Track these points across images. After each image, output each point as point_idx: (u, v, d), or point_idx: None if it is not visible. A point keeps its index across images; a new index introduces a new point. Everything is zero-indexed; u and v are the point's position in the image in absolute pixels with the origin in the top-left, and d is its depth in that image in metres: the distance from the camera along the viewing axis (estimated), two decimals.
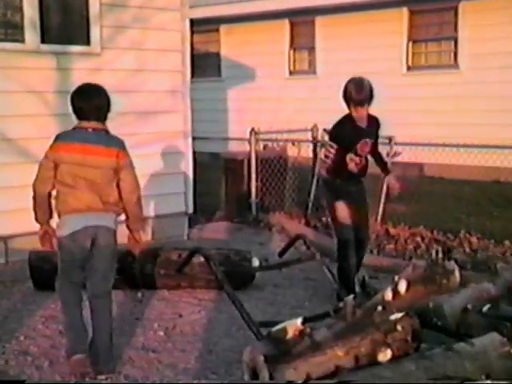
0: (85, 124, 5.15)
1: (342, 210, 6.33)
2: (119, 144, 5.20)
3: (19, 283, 7.09)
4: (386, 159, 9.67)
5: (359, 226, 6.49)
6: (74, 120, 8.21)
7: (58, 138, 5.21)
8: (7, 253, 7.88)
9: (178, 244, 7.25)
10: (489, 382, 3.74)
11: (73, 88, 8.15)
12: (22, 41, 7.96)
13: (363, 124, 6.53)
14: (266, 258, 7.56)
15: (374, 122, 6.77)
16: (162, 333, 5.75)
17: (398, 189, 6.88)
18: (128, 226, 5.20)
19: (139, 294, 6.40)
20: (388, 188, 7.50)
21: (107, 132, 5.23)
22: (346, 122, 6.53)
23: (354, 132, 6.53)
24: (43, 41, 8.08)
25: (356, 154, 6.43)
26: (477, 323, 4.66)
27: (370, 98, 6.68)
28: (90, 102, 5.24)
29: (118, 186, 5.06)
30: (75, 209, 4.95)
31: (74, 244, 4.96)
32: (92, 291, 5.00)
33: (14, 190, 7.86)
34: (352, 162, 6.39)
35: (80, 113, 5.18)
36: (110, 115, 7.75)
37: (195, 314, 6.21)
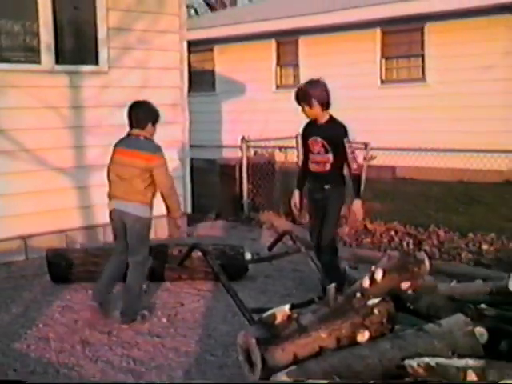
0: (130, 131, 5.82)
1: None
2: (153, 149, 5.68)
3: (38, 277, 7.08)
4: (363, 162, 9.72)
5: (317, 234, 6.30)
6: (84, 131, 8.30)
7: (115, 143, 5.90)
8: (27, 250, 7.87)
9: (178, 241, 7.23)
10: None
11: (84, 103, 8.27)
12: (39, 62, 7.97)
13: (319, 123, 6.34)
14: (258, 252, 7.56)
15: (333, 127, 6.33)
16: (165, 320, 5.75)
17: (355, 221, 6.70)
18: (168, 215, 5.85)
19: (144, 286, 6.39)
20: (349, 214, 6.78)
21: (146, 138, 5.74)
22: (309, 120, 6.42)
23: (307, 129, 6.41)
24: (57, 62, 8.09)
25: (312, 153, 6.29)
26: (444, 306, 4.67)
27: (301, 99, 6.35)
28: (131, 113, 5.85)
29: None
30: (112, 196, 5.77)
31: (111, 220, 5.78)
32: (128, 258, 5.66)
33: (32, 195, 7.87)
34: (312, 163, 6.30)
35: (128, 122, 5.82)
36: (117, 128, 7.83)
37: (195, 303, 6.21)
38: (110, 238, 8.35)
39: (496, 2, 12.73)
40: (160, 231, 8.41)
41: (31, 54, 8.00)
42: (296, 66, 16.52)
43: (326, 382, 3.51)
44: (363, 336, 3.98)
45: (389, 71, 14.98)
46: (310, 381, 3.51)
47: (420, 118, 13.80)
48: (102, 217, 8.35)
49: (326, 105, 6.24)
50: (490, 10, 12.93)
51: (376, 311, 4.10)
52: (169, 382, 4.33)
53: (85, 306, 6.10)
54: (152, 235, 7.83)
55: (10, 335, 5.41)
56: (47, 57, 7.98)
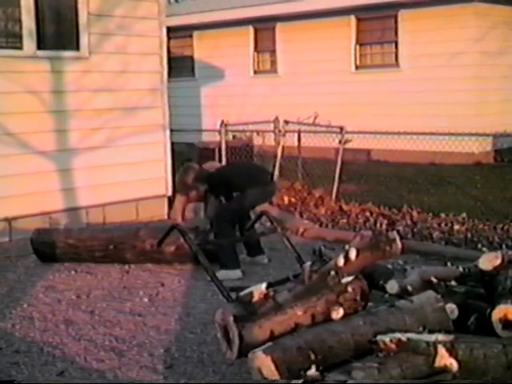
0: None
1: None
2: None
3: (22, 258, 7.05)
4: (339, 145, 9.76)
5: None
6: (66, 115, 8.24)
7: None
8: (11, 232, 7.82)
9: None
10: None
11: (66, 88, 8.20)
12: (21, 47, 7.89)
13: None
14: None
15: None
16: (146, 299, 5.74)
17: None
18: None
19: (126, 266, 6.39)
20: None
21: None
22: None
23: None
24: (39, 47, 8.01)
25: None
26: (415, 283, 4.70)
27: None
28: None
29: None
30: None
31: None
32: None
33: (15, 178, 7.81)
34: None
35: None
36: (98, 111, 7.80)
37: (175, 283, 6.20)
38: (92, 219, 8.37)
39: None
40: (143, 213, 8.44)
41: (13, 40, 7.91)
42: (273, 51, 16.49)
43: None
44: (337, 313, 4.00)
45: (363, 57, 15.00)
46: (294, 381, 3.50)
47: (393, 103, 13.86)
48: (85, 199, 8.38)
49: None
50: None
51: (350, 289, 4.12)
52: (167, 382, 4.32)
53: (68, 286, 6.09)
54: (134, 216, 7.87)
55: None
56: (29, 42, 7.89)
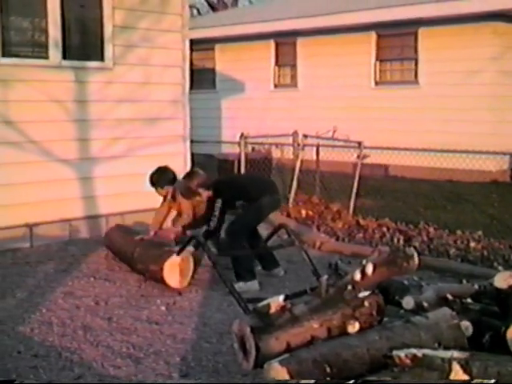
0: None
1: None
2: None
3: (42, 264, 7.12)
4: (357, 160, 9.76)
5: None
6: (89, 125, 8.34)
7: None
8: (32, 238, 7.88)
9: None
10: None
11: (89, 97, 8.28)
12: (47, 57, 7.98)
13: None
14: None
15: None
16: (163, 308, 5.77)
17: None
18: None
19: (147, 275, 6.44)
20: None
21: None
22: None
23: None
24: (64, 57, 8.11)
25: None
26: (431, 300, 4.69)
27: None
28: None
29: None
30: None
31: None
32: None
33: (37, 185, 7.88)
34: None
35: None
36: (120, 121, 7.91)
37: (192, 293, 6.23)
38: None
39: (484, 10, 12.76)
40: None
41: (39, 50, 8.01)
42: (293, 66, 16.50)
43: (312, 381, 3.51)
44: (353, 327, 3.99)
45: (382, 73, 14.96)
46: (303, 381, 3.51)
47: (412, 119, 13.83)
48: (105, 207, 8.43)
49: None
50: (479, 16, 12.95)
51: (366, 303, 4.12)
52: (167, 382, 4.34)
53: (86, 293, 6.12)
54: None
55: (14, 319, 5.43)
56: (55, 52, 7.98)
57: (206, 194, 6.52)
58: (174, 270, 6.16)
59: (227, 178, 6.90)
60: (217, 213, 6.35)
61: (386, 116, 14.17)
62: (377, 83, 14.94)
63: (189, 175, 6.74)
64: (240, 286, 5.91)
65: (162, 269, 6.17)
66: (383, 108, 14.32)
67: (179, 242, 6.67)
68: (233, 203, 6.65)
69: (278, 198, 6.97)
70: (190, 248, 6.08)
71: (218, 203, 6.37)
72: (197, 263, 6.38)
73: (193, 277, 6.35)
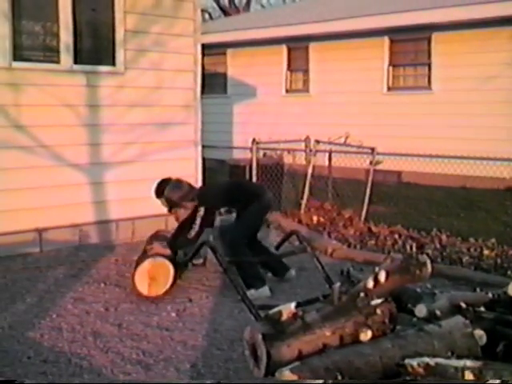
0: None
1: None
2: None
3: (52, 269, 7.14)
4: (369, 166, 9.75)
5: None
6: (100, 129, 8.36)
7: None
8: (41, 243, 7.91)
9: None
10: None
11: (100, 102, 8.31)
12: (58, 62, 8.01)
13: None
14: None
15: None
16: (174, 314, 5.78)
17: None
18: None
19: None
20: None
21: None
22: None
23: None
24: (76, 62, 8.13)
25: None
26: (444, 308, 4.67)
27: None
28: None
29: None
30: None
31: None
32: None
33: (48, 189, 7.91)
34: None
35: None
36: (131, 126, 7.97)
37: (203, 299, 6.24)
38: (122, 233, 8.42)
39: (499, 15, 12.72)
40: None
41: (51, 54, 8.04)
42: (306, 71, 16.51)
43: (321, 381, 3.51)
44: (366, 335, 3.98)
45: (395, 78, 14.96)
46: (308, 381, 3.52)
47: (425, 125, 13.80)
48: (115, 212, 8.45)
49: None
50: (494, 21, 12.91)
51: (379, 311, 4.11)
52: (167, 382, 4.35)
53: (96, 299, 6.14)
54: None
55: (24, 324, 5.45)
56: (66, 57, 8.02)
57: (190, 205, 6.56)
58: (143, 277, 6.15)
59: (213, 186, 6.87)
60: (198, 221, 6.39)
61: (399, 122, 14.15)
62: (389, 88, 14.92)
63: (171, 188, 6.66)
64: (251, 293, 5.91)
65: (133, 275, 6.19)
66: (396, 114, 14.31)
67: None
68: (218, 210, 6.73)
69: (267, 200, 6.81)
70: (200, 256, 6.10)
71: (201, 211, 6.41)
72: (178, 271, 6.34)
73: (172, 286, 6.27)
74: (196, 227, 6.38)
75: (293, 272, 6.84)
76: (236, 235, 6.50)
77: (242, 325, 4.92)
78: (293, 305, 4.06)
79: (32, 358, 4.79)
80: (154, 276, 6.12)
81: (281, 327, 3.94)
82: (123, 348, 4.98)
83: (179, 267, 6.37)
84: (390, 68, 14.90)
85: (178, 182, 6.70)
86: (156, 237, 6.92)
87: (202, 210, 6.39)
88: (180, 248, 6.59)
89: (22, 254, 7.61)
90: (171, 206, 6.69)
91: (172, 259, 6.31)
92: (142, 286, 6.12)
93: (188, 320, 5.63)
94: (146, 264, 6.15)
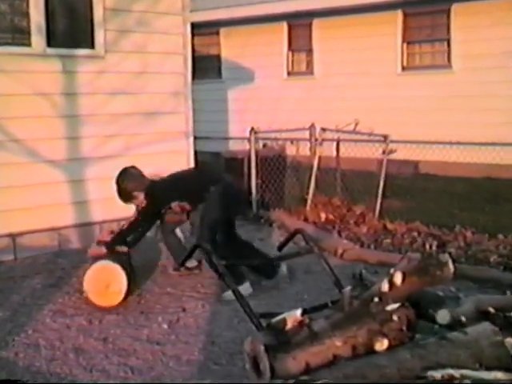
0: None
1: None
2: None
3: (28, 279, 7.12)
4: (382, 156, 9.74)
5: None
6: (79, 120, 8.33)
7: None
8: (15, 249, 7.90)
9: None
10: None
11: (79, 90, 8.29)
12: (29, 45, 7.97)
13: None
14: (266, 252, 7.60)
15: None
16: (165, 326, 5.77)
17: None
18: None
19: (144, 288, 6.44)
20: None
21: None
22: None
23: None
24: (49, 44, 8.10)
25: None
26: (469, 314, 4.66)
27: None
28: None
29: None
30: None
31: None
32: None
33: (21, 189, 7.89)
34: None
35: None
36: (114, 117, 7.95)
37: (198, 308, 6.23)
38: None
39: None
40: None
41: (20, 36, 8.00)
42: (309, 51, 16.52)
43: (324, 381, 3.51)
44: (381, 344, 3.98)
45: (410, 57, 14.95)
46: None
47: (445, 109, 13.78)
48: (98, 213, 8.43)
49: None
50: None
51: (395, 317, 4.10)
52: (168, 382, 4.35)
53: (78, 311, 6.13)
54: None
55: None
56: (38, 39, 7.99)
57: (141, 196, 6.64)
58: (93, 285, 6.19)
59: (164, 178, 6.94)
60: (142, 217, 6.58)
61: (414, 106, 14.14)
62: (404, 68, 14.91)
63: (126, 176, 6.73)
64: (230, 294, 5.93)
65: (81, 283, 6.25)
66: (412, 96, 14.30)
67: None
68: (168, 205, 6.75)
69: (227, 184, 6.91)
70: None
71: (143, 203, 6.59)
72: (131, 276, 6.36)
73: (128, 293, 6.30)
74: (142, 223, 6.63)
75: (284, 268, 6.91)
76: (200, 235, 6.56)
77: (242, 336, 4.90)
78: (298, 312, 4.06)
79: (5, 381, 4.77)
80: (103, 282, 6.14)
81: (285, 337, 3.93)
82: (109, 365, 4.97)
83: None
84: (404, 45, 14.88)
85: (134, 169, 6.78)
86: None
87: (144, 203, 6.57)
88: (132, 245, 6.73)
89: None
90: (126, 197, 6.74)
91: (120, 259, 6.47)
92: (96, 295, 6.14)
93: (182, 332, 5.61)
94: (90, 272, 6.19)
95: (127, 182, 6.68)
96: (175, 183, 6.87)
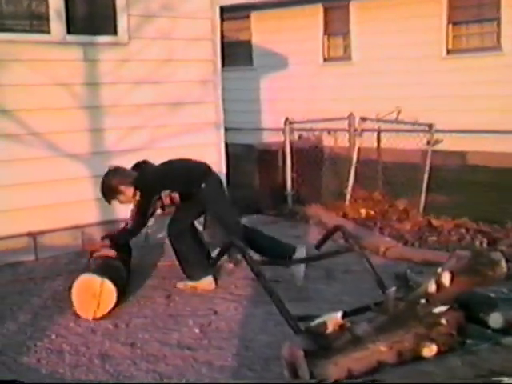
0: None
1: None
2: None
3: (50, 280, 7.17)
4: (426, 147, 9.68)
5: None
6: (101, 112, 8.36)
7: None
8: (36, 249, 7.96)
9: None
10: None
11: (100, 79, 8.31)
12: (48, 32, 8.01)
13: None
14: None
15: None
16: (197, 330, 5.77)
17: None
18: None
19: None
20: None
21: None
22: None
23: None
24: (69, 31, 8.13)
25: None
26: None
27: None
28: None
29: None
30: None
31: None
32: None
33: (41, 186, 7.95)
34: None
35: None
36: (138, 107, 7.98)
37: (231, 310, 6.23)
38: None
39: None
40: None
41: (38, 23, 8.05)
42: (347, 34, 16.46)
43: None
44: (430, 350, 3.96)
45: (456, 39, 14.81)
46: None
47: (495, 95, 13.64)
48: (124, 210, 8.44)
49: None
50: None
51: (444, 321, 4.08)
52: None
53: (104, 314, 6.16)
54: None
55: (16, 347, 5.46)
56: (57, 25, 8.03)
57: (128, 190, 6.75)
58: (83, 299, 6.15)
59: (152, 168, 7.06)
60: (135, 207, 6.74)
61: (461, 91, 14.01)
62: (449, 51, 14.78)
63: (110, 173, 6.91)
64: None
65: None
66: (458, 82, 14.16)
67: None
68: (159, 195, 6.87)
69: (216, 179, 7.07)
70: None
71: (136, 196, 6.70)
72: (120, 291, 6.33)
73: (115, 308, 6.25)
74: (132, 214, 6.78)
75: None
76: (232, 232, 6.70)
77: (278, 340, 4.89)
78: (339, 314, 4.05)
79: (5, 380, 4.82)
80: (93, 294, 6.10)
81: (326, 342, 3.93)
82: (137, 372, 4.98)
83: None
84: (450, 26, 14.74)
85: (118, 167, 7.01)
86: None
87: (137, 195, 6.68)
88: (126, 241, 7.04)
89: (12, 264, 7.66)
90: (111, 193, 6.87)
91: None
92: (84, 308, 6.13)
93: (214, 336, 5.62)
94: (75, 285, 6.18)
95: (111, 177, 6.84)
96: (165, 170, 7.05)
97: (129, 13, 8.52)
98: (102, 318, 6.04)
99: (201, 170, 7.03)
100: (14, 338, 5.68)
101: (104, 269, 6.35)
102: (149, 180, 6.89)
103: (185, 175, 6.99)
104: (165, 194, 6.81)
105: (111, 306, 6.12)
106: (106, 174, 6.89)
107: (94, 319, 6.01)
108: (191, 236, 6.88)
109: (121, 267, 6.67)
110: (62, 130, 8.11)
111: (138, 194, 6.70)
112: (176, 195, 6.84)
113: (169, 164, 7.09)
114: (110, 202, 7.00)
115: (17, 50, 7.82)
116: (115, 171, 6.91)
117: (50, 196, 8.02)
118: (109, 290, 6.09)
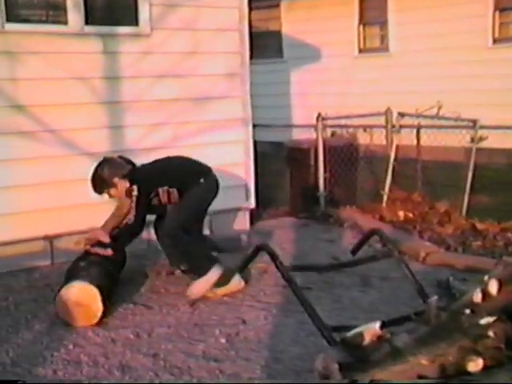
0: None
1: None
2: None
3: None
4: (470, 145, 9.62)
5: None
6: (121, 108, 8.38)
7: None
8: (53, 253, 8.00)
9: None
10: None
11: (121, 73, 8.34)
12: (65, 22, 8.04)
13: None
14: (337, 256, 7.56)
15: None
16: (223, 340, 5.78)
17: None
18: None
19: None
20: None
21: None
22: None
23: None
24: (88, 22, 8.15)
25: None
26: None
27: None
28: None
29: None
30: None
31: None
32: None
33: (58, 186, 7.98)
34: None
35: None
36: (161, 103, 8.01)
37: (260, 320, 6.23)
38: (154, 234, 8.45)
39: None
40: (217, 229, 8.52)
41: (55, 13, 8.10)
42: (384, 24, 16.41)
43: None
44: (476, 364, 3.92)
45: (504, 26, 14.71)
46: None
47: None
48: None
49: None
50: None
51: (491, 333, 4.04)
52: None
53: (124, 322, 6.18)
54: (207, 232, 8.00)
55: (32, 358, 5.50)
56: (75, 16, 8.06)
57: (121, 184, 6.80)
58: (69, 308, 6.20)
59: (149, 164, 7.11)
60: (134, 203, 6.72)
61: (509, 85, 13.91)
62: (496, 41, 14.69)
63: (98, 164, 6.97)
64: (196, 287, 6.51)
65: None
66: (505, 74, 14.06)
67: None
68: (155, 191, 6.91)
69: (213, 180, 7.18)
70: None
71: (134, 191, 6.71)
72: (105, 299, 6.35)
73: (103, 317, 6.28)
74: (133, 210, 6.75)
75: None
76: (174, 223, 6.86)
77: (310, 352, 4.90)
78: (377, 325, 4.03)
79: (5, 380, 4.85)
80: (75, 303, 6.16)
81: (362, 354, 3.91)
82: None
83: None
84: (497, 13, 14.64)
85: (114, 157, 7.08)
86: None
87: (135, 189, 6.71)
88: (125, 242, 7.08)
89: (27, 269, 7.71)
90: (101, 185, 6.92)
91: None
92: (81, 318, 6.17)
93: (242, 347, 5.62)
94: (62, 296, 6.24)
95: (104, 167, 6.89)
96: (163, 165, 7.15)
97: (151, 2, 8.53)
98: (122, 326, 6.07)
99: (200, 168, 7.13)
100: (29, 347, 5.71)
101: (72, 274, 6.56)
102: (146, 173, 7.00)
103: (183, 170, 7.10)
104: (162, 189, 6.84)
105: (99, 298, 6.15)
106: (99, 164, 6.94)
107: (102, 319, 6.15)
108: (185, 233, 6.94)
109: (97, 260, 6.82)
110: (79, 126, 8.14)
111: (135, 188, 6.73)
112: (175, 192, 6.87)
113: (167, 160, 7.20)
114: (100, 194, 7.03)
115: (32, 41, 7.85)
116: (109, 162, 6.96)
117: (67, 197, 8.04)
118: (83, 289, 6.19)
